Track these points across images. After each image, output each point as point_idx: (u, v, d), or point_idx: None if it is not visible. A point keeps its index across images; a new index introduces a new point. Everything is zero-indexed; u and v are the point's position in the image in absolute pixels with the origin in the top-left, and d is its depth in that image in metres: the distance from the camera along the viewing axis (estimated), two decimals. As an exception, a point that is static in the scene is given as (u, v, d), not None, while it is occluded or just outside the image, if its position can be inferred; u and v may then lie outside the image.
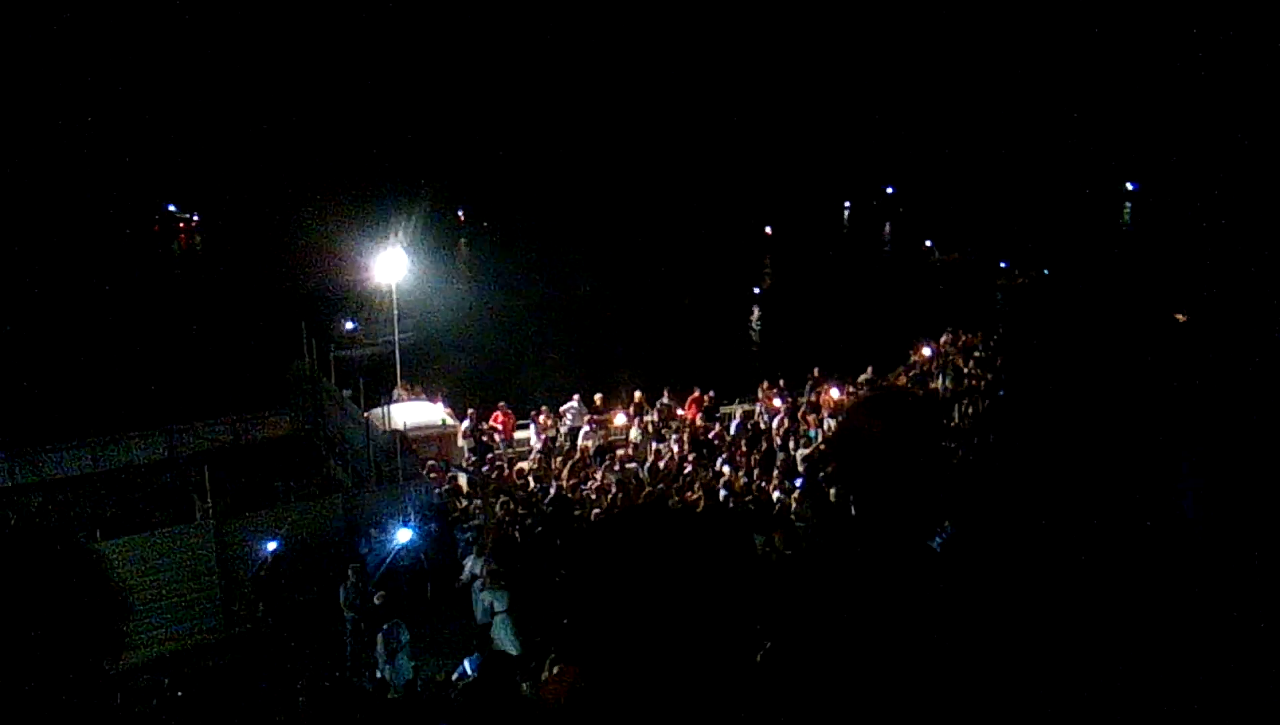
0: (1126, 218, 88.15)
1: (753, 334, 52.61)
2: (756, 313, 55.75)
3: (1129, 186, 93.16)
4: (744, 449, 22.03)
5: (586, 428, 23.10)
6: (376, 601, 14.92)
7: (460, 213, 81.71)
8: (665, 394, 24.81)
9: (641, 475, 20.62)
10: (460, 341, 44.28)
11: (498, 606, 14.98)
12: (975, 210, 78.66)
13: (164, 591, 16.41)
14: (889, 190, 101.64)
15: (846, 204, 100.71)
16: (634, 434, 23.29)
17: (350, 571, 15.53)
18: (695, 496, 18.69)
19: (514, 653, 14.49)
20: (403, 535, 16.78)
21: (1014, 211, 75.42)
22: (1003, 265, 59.67)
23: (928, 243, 70.93)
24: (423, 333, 45.24)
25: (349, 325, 44.00)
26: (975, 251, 65.28)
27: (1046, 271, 57.15)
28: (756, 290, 58.15)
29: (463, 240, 75.02)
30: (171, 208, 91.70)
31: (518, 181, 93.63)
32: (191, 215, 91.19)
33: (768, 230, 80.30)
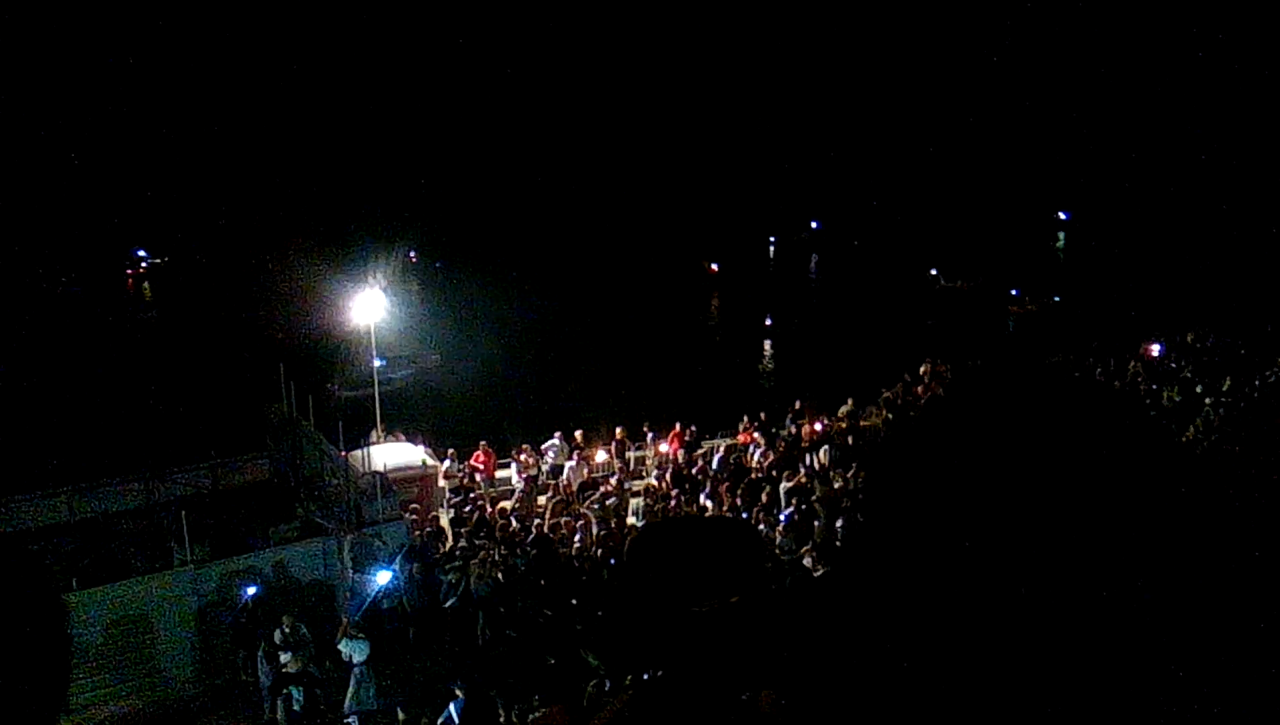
0: (1060, 246, 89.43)
1: (765, 364, 52.77)
2: (768, 345, 55.84)
3: (1061, 216, 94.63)
4: (727, 483, 21.97)
5: (570, 464, 22.98)
6: (285, 664, 14.71)
7: (412, 254, 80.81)
8: (645, 429, 24.78)
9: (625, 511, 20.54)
10: (484, 374, 44.45)
11: (356, 658, 14.80)
12: (918, 237, 79.59)
13: (141, 639, 16.15)
14: (815, 225, 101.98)
15: (772, 239, 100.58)
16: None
17: (260, 638, 15.27)
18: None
19: (372, 707, 14.42)
20: (382, 577, 16.58)
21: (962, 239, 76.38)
22: (1014, 292, 59.93)
23: (933, 271, 71.12)
24: (446, 366, 45.90)
25: (378, 362, 44.41)
26: (983, 279, 65.76)
27: (1057, 298, 57.38)
28: (768, 321, 58.02)
29: (415, 281, 74.74)
30: (141, 252, 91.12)
31: (465, 223, 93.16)
32: (152, 260, 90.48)
33: (713, 267, 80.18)
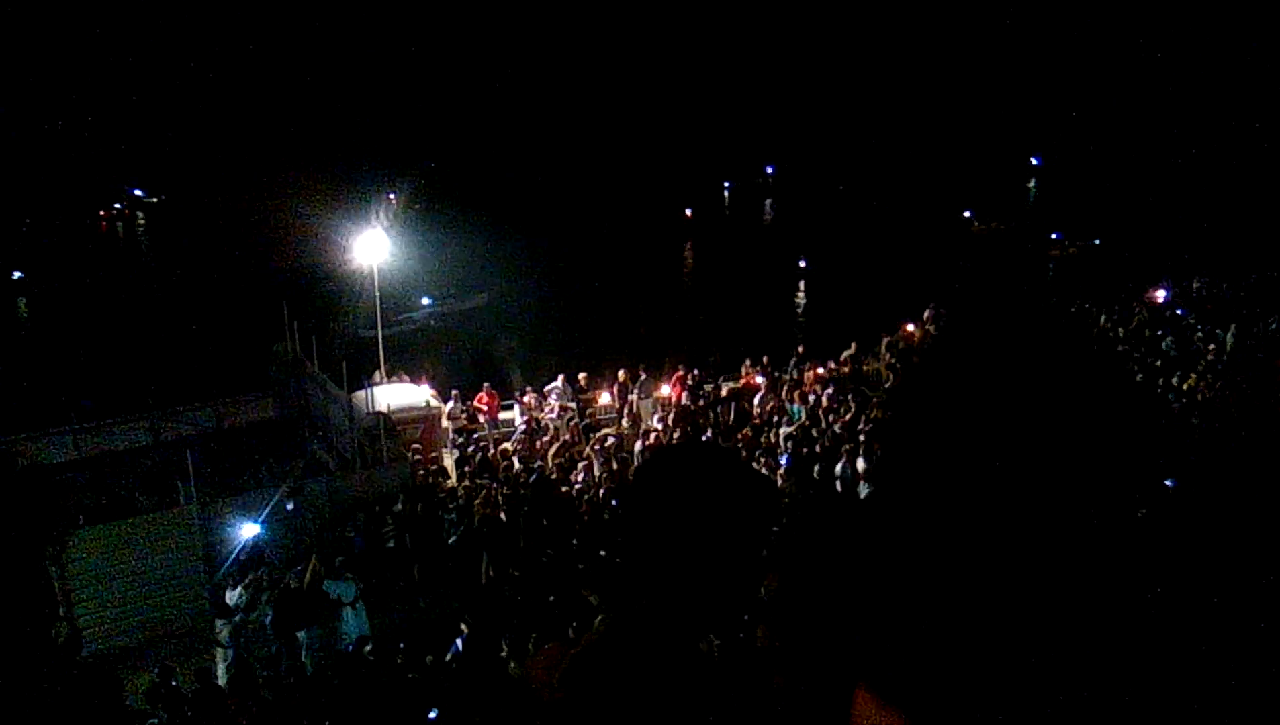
0: (1032, 192, 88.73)
1: (798, 305, 52.56)
2: (801, 287, 55.51)
3: (1034, 161, 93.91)
4: (730, 426, 22.07)
5: (556, 413, 23.00)
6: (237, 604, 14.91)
7: (391, 196, 79.61)
8: (641, 372, 24.66)
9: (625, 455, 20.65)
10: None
11: (345, 598, 15.05)
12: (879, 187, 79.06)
13: (148, 577, 16.40)
14: (769, 170, 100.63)
15: (727, 184, 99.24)
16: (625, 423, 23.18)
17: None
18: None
19: (365, 632, 14.67)
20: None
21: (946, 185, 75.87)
22: (1055, 236, 59.11)
23: (966, 213, 70.29)
24: (494, 300, 46.18)
25: (425, 300, 45.07)
26: (1018, 221, 65.18)
27: (1098, 241, 56.58)
28: (803, 263, 57.54)
29: (397, 224, 74.04)
30: (138, 192, 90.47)
31: (439, 171, 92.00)
32: (148, 198, 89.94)
33: (688, 212, 79.23)
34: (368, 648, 13.62)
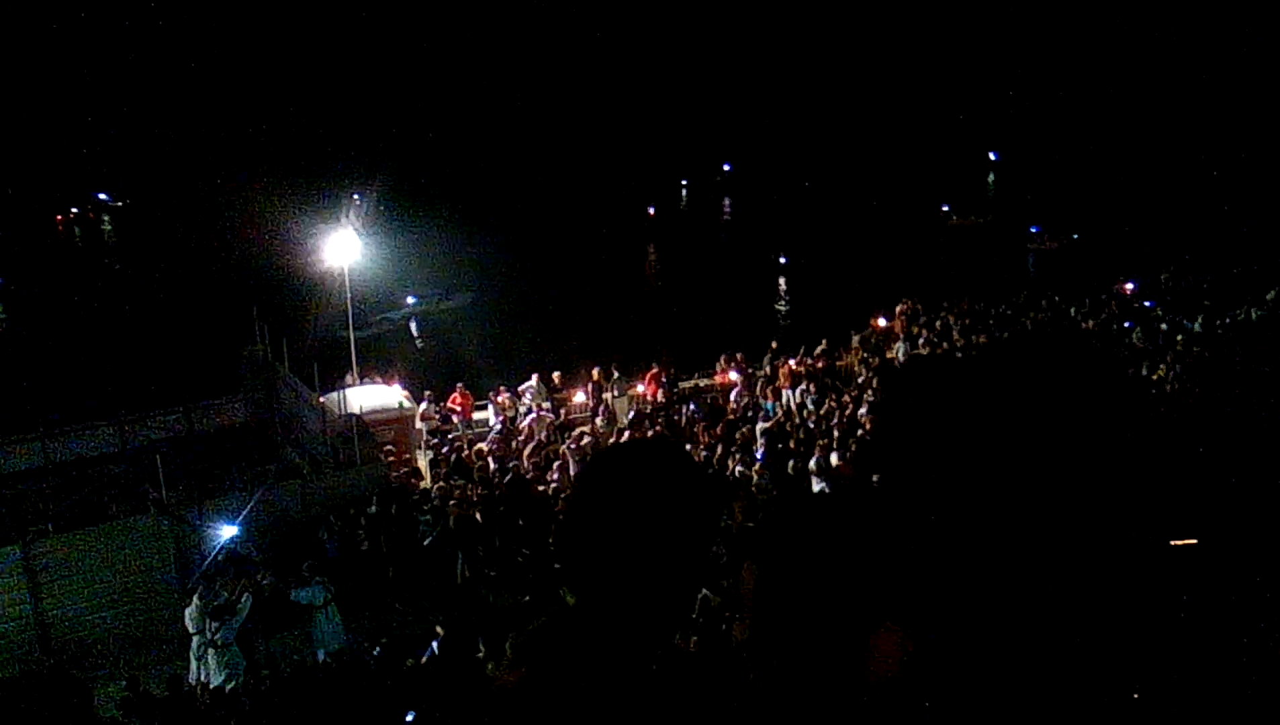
0: (991, 187, 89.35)
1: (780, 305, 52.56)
2: (782, 283, 55.47)
3: (991, 156, 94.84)
4: (703, 423, 22.08)
5: (534, 413, 22.88)
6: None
7: (355, 197, 79.04)
8: (614, 371, 24.58)
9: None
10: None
11: (315, 602, 14.89)
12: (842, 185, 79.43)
13: (120, 584, 16.21)
14: (726, 167, 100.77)
15: (684, 182, 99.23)
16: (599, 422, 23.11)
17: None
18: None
19: (338, 646, 14.47)
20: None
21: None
22: (1034, 230, 59.30)
23: (944, 207, 70.53)
24: (480, 298, 46.40)
25: (410, 299, 45.01)
26: (997, 216, 65.55)
27: (1076, 236, 56.75)
28: (783, 260, 57.57)
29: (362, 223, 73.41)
30: (103, 196, 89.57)
31: (405, 170, 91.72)
32: (114, 202, 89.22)
33: (650, 211, 79.00)
34: (377, 650, 13.45)
